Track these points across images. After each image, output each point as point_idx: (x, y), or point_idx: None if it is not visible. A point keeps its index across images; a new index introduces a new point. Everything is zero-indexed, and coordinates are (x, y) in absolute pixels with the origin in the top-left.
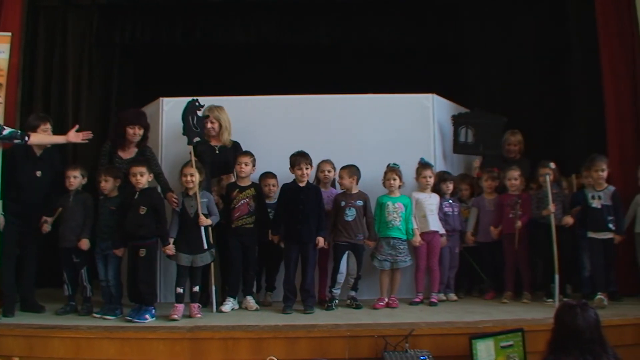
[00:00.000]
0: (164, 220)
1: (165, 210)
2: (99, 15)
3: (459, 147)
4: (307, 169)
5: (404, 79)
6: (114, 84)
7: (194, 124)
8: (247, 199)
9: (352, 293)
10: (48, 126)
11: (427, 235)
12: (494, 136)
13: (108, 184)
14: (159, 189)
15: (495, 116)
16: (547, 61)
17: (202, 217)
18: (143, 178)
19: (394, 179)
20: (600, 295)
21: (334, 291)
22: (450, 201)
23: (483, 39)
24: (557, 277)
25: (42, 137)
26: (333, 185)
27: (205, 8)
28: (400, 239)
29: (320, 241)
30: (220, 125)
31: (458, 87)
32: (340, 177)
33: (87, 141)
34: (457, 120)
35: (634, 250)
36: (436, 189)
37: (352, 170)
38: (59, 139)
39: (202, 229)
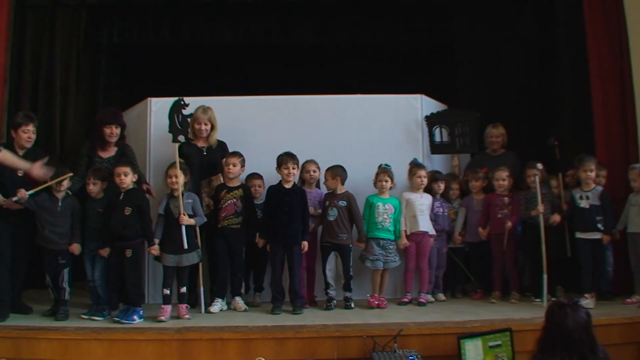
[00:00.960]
0: (149, 220)
1: (150, 210)
2: (87, 15)
3: (435, 147)
4: (293, 169)
5: (393, 80)
6: (102, 84)
7: (179, 122)
8: (234, 200)
9: (347, 294)
10: (30, 127)
11: (417, 236)
12: (469, 132)
13: (96, 187)
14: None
15: (468, 112)
16: (536, 61)
17: (182, 216)
18: (127, 178)
19: (386, 180)
20: (586, 298)
21: (330, 292)
22: (441, 201)
23: (472, 40)
24: (545, 276)
25: (7, 157)
26: (318, 185)
27: (193, 8)
28: (389, 239)
29: (305, 245)
30: (212, 127)
31: (448, 88)
32: (325, 178)
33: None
34: (430, 121)
35: (627, 250)
36: (428, 189)
37: (335, 170)
38: (23, 166)
39: (183, 228)
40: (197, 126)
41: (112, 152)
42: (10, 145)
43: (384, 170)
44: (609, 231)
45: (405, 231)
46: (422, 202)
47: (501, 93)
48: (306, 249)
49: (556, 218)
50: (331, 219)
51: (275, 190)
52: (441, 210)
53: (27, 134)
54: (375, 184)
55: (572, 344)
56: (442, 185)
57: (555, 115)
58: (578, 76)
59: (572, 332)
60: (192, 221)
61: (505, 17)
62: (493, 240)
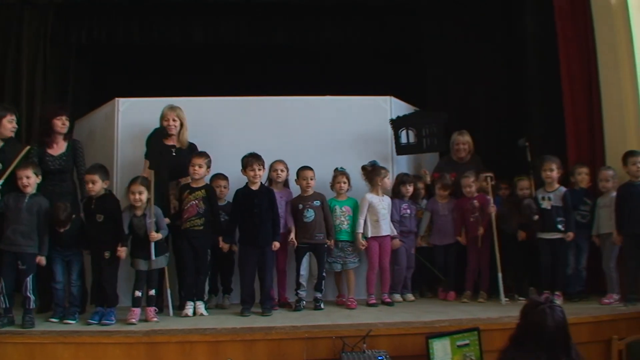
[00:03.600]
0: (121, 225)
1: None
2: (55, 14)
3: (401, 148)
4: (259, 170)
5: (362, 81)
6: (69, 84)
7: None
8: (196, 201)
9: (318, 295)
10: (14, 117)
11: (378, 238)
12: (436, 133)
13: (30, 179)
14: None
15: (435, 113)
16: (505, 62)
17: (153, 234)
18: (96, 185)
19: (344, 182)
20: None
21: (300, 293)
22: (409, 203)
23: (441, 41)
24: (500, 275)
25: None
26: (286, 185)
27: (162, 8)
28: (347, 241)
29: (276, 245)
30: (182, 124)
31: (416, 89)
32: (297, 182)
33: None
34: (395, 124)
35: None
36: (396, 192)
37: (304, 171)
38: None
39: (153, 244)
40: (165, 123)
41: (62, 148)
42: None
43: (341, 173)
44: (572, 230)
45: (362, 234)
46: (384, 205)
47: (470, 94)
48: (276, 248)
49: (522, 235)
50: (308, 220)
51: (243, 194)
52: (408, 211)
53: (12, 123)
54: (332, 186)
55: (548, 342)
56: (410, 188)
57: (524, 117)
58: (546, 77)
59: (550, 330)
60: (160, 236)
61: (474, 19)
62: (469, 243)
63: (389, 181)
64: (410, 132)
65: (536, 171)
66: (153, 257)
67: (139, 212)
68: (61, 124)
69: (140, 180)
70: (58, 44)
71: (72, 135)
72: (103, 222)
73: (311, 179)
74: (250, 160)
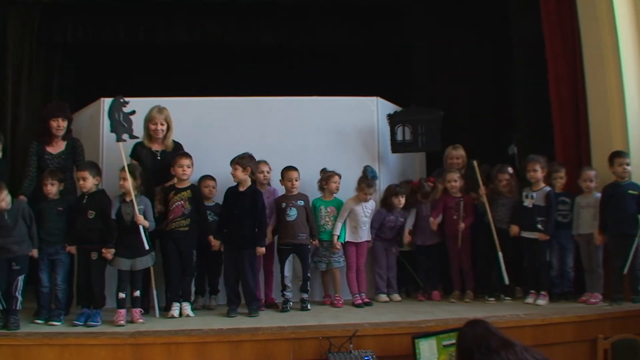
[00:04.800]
0: (111, 224)
1: None
2: (41, 14)
3: (396, 146)
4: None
5: (350, 80)
6: (55, 83)
7: (122, 121)
8: (182, 201)
9: (304, 295)
10: None
11: (355, 243)
12: (432, 131)
13: (54, 188)
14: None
15: (431, 110)
16: (493, 62)
17: (139, 217)
18: (87, 182)
19: (337, 182)
20: (532, 295)
21: (286, 294)
22: (397, 215)
23: (429, 42)
24: (500, 254)
25: None
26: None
27: (148, 7)
28: (331, 241)
29: (260, 251)
30: (168, 127)
31: (404, 88)
32: (281, 182)
33: None
34: (392, 119)
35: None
36: (386, 203)
37: (288, 170)
38: None
39: (141, 229)
40: (152, 126)
41: (61, 146)
42: None
43: (332, 174)
44: (549, 232)
45: (338, 236)
46: (366, 212)
47: (457, 93)
48: (260, 254)
49: (514, 230)
50: (291, 219)
51: (231, 192)
52: (393, 223)
53: None
54: (321, 187)
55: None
56: (402, 200)
57: (511, 117)
58: (532, 79)
59: (473, 347)
60: (146, 223)
61: (461, 20)
62: (449, 242)
63: (365, 196)
64: (406, 129)
65: (523, 171)
66: (146, 246)
67: (127, 198)
68: (57, 125)
69: (125, 166)
70: (43, 43)
71: (71, 133)
72: (94, 218)
73: (296, 180)
74: (256, 162)
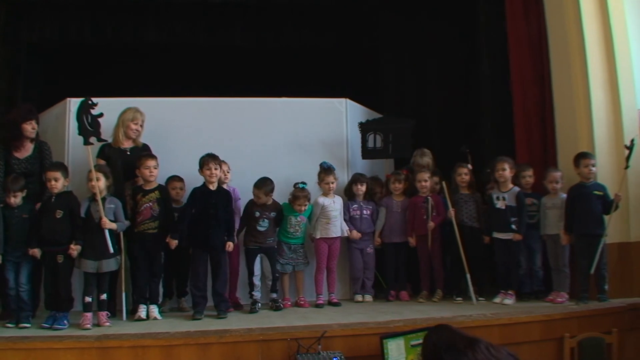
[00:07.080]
0: (79, 221)
1: None
2: (6, 12)
3: (367, 152)
4: (216, 169)
5: (319, 82)
6: (21, 83)
7: (89, 124)
8: (151, 203)
9: (273, 295)
10: None
11: (329, 240)
12: (403, 140)
13: (17, 199)
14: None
15: (403, 120)
16: (460, 65)
17: (104, 219)
18: (58, 183)
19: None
20: (501, 295)
21: (255, 294)
22: (361, 204)
23: (397, 44)
24: (468, 276)
25: None
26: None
27: (116, 7)
28: (299, 244)
29: (230, 246)
30: (141, 126)
31: (373, 89)
32: (257, 196)
33: None
34: (364, 127)
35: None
36: (347, 191)
37: (267, 187)
38: None
39: (107, 232)
40: (134, 126)
41: (28, 150)
42: None
43: (301, 190)
44: (522, 231)
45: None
46: (336, 207)
47: (425, 94)
48: (230, 249)
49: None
50: (262, 229)
51: (201, 192)
52: (359, 213)
53: None
54: (291, 202)
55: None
56: (362, 188)
57: (477, 118)
58: (498, 81)
59: (441, 351)
60: (113, 225)
61: (430, 22)
62: (419, 241)
63: (327, 186)
64: (377, 136)
65: (491, 172)
66: (111, 249)
67: (97, 197)
68: (31, 128)
69: (97, 167)
70: (8, 42)
71: (38, 136)
72: (62, 217)
73: (271, 191)
74: (207, 160)
